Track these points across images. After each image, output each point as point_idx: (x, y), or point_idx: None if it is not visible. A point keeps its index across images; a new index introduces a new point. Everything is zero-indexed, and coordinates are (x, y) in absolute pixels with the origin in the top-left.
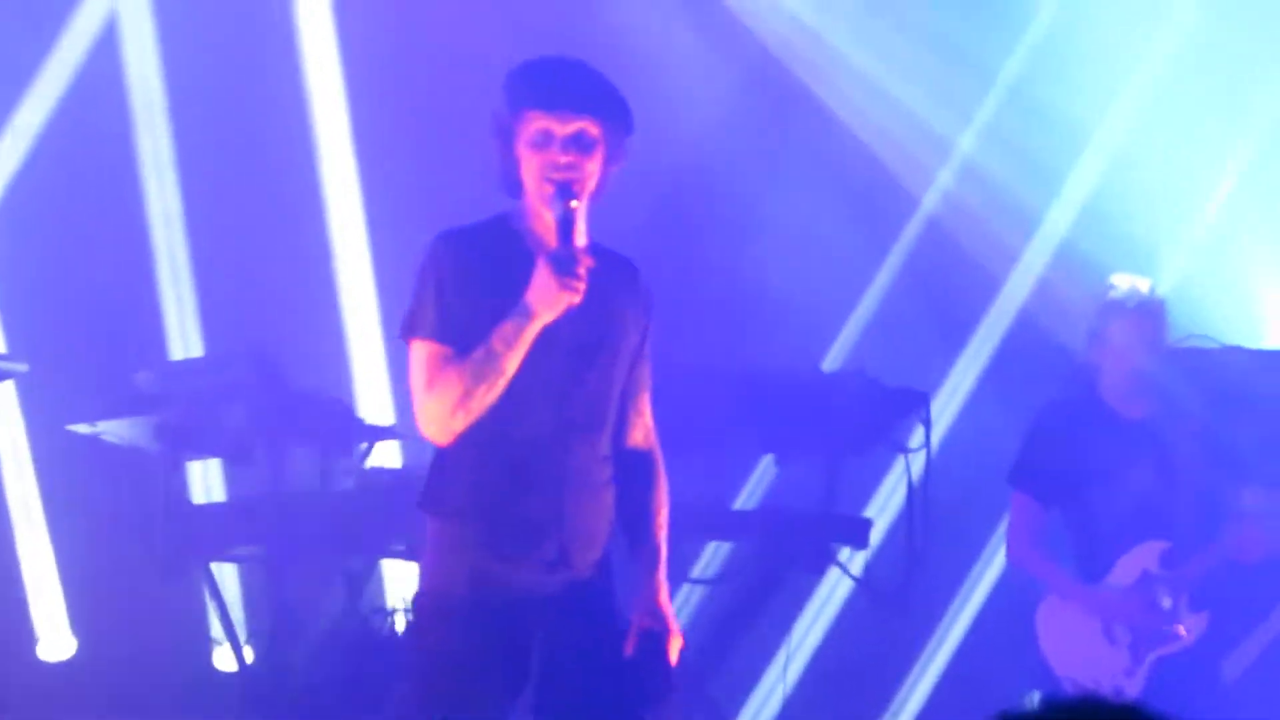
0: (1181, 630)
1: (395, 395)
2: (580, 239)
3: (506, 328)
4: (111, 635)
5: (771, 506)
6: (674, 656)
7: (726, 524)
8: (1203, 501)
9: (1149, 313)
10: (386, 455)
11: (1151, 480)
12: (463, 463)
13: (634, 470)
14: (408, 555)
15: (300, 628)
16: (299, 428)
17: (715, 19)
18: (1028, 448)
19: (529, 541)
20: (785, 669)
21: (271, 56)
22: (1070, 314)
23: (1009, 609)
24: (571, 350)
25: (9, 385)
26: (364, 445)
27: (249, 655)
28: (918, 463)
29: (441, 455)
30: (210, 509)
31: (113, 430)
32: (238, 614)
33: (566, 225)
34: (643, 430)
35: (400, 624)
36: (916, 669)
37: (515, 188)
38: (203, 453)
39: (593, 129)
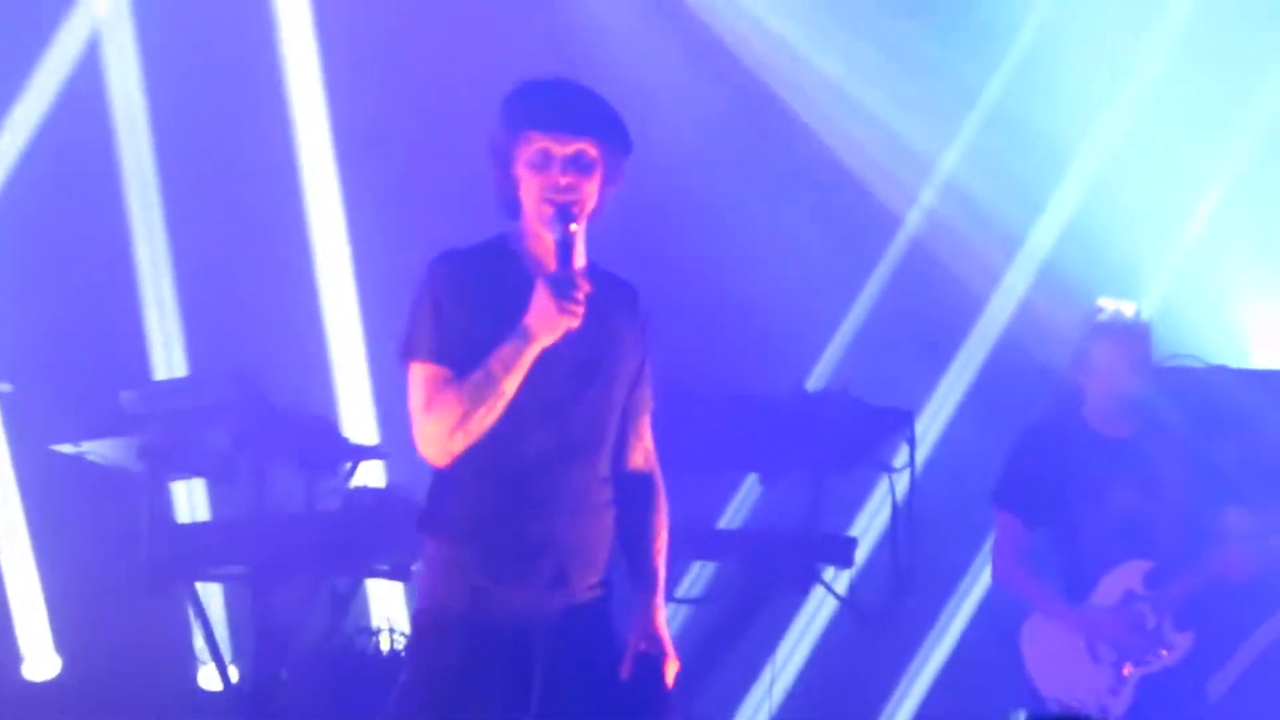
0: (1165, 650)
1: (379, 415)
2: (579, 260)
3: (505, 350)
4: (96, 655)
5: (756, 526)
6: (670, 680)
7: (711, 543)
8: (1187, 521)
9: (1134, 335)
10: (371, 475)
11: (1135, 500)
12: (461, 484)
13: (633, 492)
14: (392, 575)
15: (285, 647)
16: (283, 447)
17: (698, 39)
18: (1012, 467)
19: (527, 562)
20: (771, 688)
21: (254, 74)
22: (1054, 333)
23: (994, 628)
24: (570, 372)
25: None
26: (348, 465)
27: (234, 674)
28: (902, 482)
29: (440, 477)
30: (195, 528)
31: (97, 450)
32: (222, 633)
33: (566, 248)
34: (643, 452)
35: (385, 643)
36: (901, 687)
37: (513, 209)
38: (187, 472)
39: (591, 150)
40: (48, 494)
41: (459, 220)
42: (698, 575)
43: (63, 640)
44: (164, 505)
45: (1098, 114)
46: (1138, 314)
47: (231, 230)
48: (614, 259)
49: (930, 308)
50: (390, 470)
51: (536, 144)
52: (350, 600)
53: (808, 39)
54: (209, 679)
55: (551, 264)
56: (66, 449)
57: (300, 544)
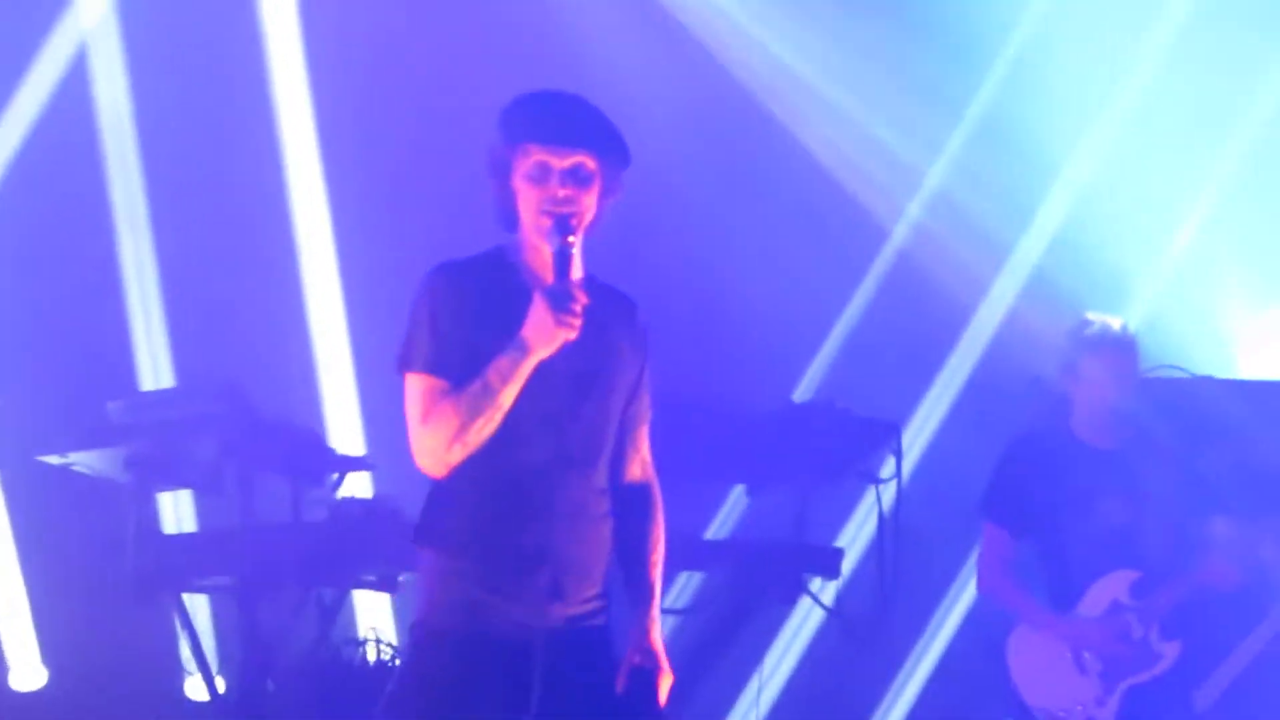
0: (1153, 659)
1: (366, 426)
2: (577, 272)
3: (502, 362)
4: (83, 665)
5: (743, 537)
6: (664, 695)
7: (698, 554)
8: (1174, 531)
9: (1122, 348)
10: (358, 486)
11: (1123, 510)
12: (457, 495)
13: (630, 504)
14: (379, 585)
15: (271, 657)
16: (270, 458)
17: (684, 50)
18: (999, 479)
19: (522, 574)
20: (758, 699)
21: (241, 85)
22: (1041, 345)
23: (980, 638)
24: (568, 384)
25: None
26: (335, 476)
27: (220, 685)
28: (889, 493)
29: (436, 488)
30: (181, 539)
31: (83, 461)
32: (209, 644)
33: (563, 260)
34: (640, 464)
35: (372, 654)
36: (888, 698)
37: (511, 221)
38: (173, 483)
39: (590, 163)
40: (34, 504)
41: (446, 229)
42: (685, 586)
43: (49, 651)
44: (150, 516)
45: (1085, 125)
46: (1125, 327)
47: (218, 240)
48: (600, 271)
49: (917, 319)
50: (377, 481)
51: (535, 156)
52: (337, 611)
53: (794, 50)
54: (195, 689)
55: (549, 276)
56: (53, 460)
57: (287, 555)
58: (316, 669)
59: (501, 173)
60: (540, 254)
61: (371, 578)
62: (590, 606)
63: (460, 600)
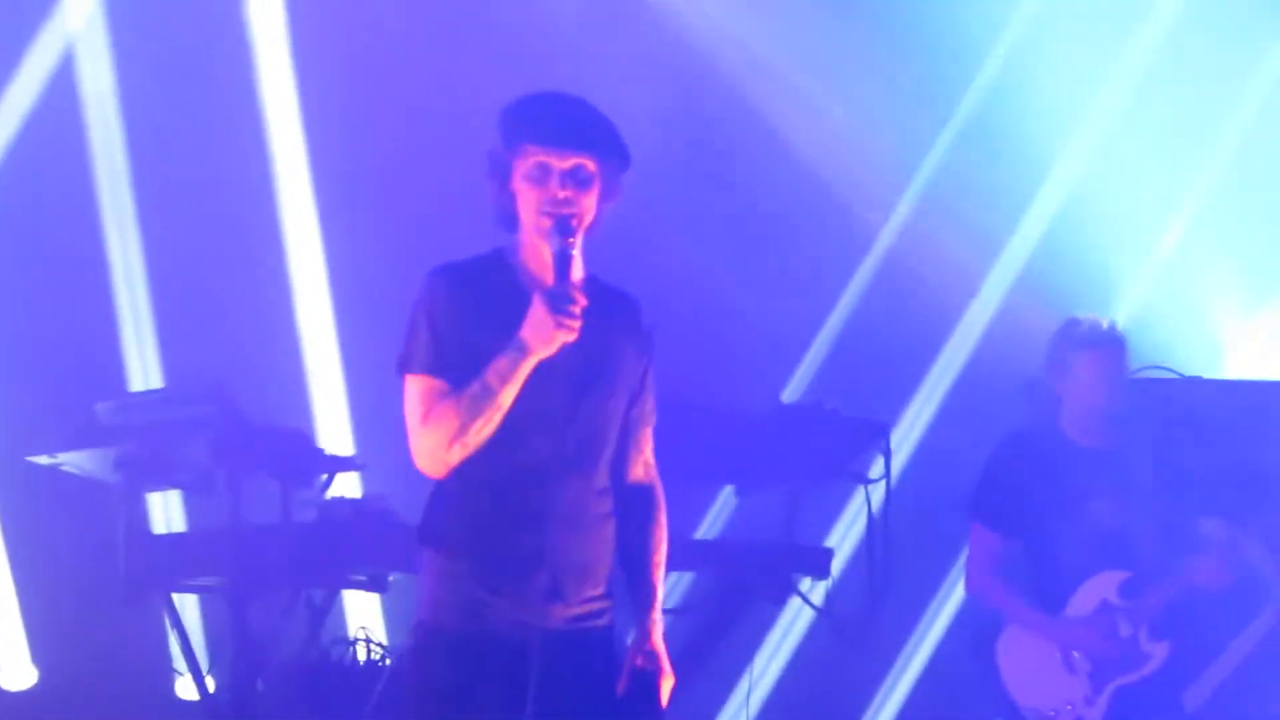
0: (1142, 660)
1: (355, 426)
2: (577, 272)
3: (501, 363)
4: (73, 665)
5: (732, 537)
6: (665, 697)
7: (688, 555)
8: (1162, 531)
9: (1111, 348)
10: (347, 486)
11: (1111, 510)
12: (457, 496)
13: (633, 506)
14: (369, 586)
15: (262, 657)
16: (259, 459)
17: (671, 50)
18: (987, 479)
19: (520, 574)
20: (748, 699)
21: (229, 87)
22: (1029, 345)
23: (970, 638)
24: (567, 385)
25: None
26: (324, 476)
27: (211, 685)
28: (878, 493)
29: (437, 488)
30: (171, 539)
31: (73, 461)
32: (199, 644)
33: (563, 261)
34: (643, 465)
35: (362, 654)
36: (878, 699)
37: (511, 222)
38: (163, 484)
39: (590, 164)
40: (24, 505)
41: (434, 229)
42: (675, 586)
43: (39, 650)
44: (140, 516)
45: (1074, 126)
46: (1114, 326)
47: (207, 242)
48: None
49: (906, 320)
50: (366, 481)
51: (535, 158)
52: (327, 611)
53: (782, 50)
54: (186, 689)
55: (548, 277)
56: (42, 460)
57: (276, 555)
58: (306, 669)
59: (501, 174)
60: (540, 255)
61: (361, 578)
62: (592, 607)
63: (460, 600)
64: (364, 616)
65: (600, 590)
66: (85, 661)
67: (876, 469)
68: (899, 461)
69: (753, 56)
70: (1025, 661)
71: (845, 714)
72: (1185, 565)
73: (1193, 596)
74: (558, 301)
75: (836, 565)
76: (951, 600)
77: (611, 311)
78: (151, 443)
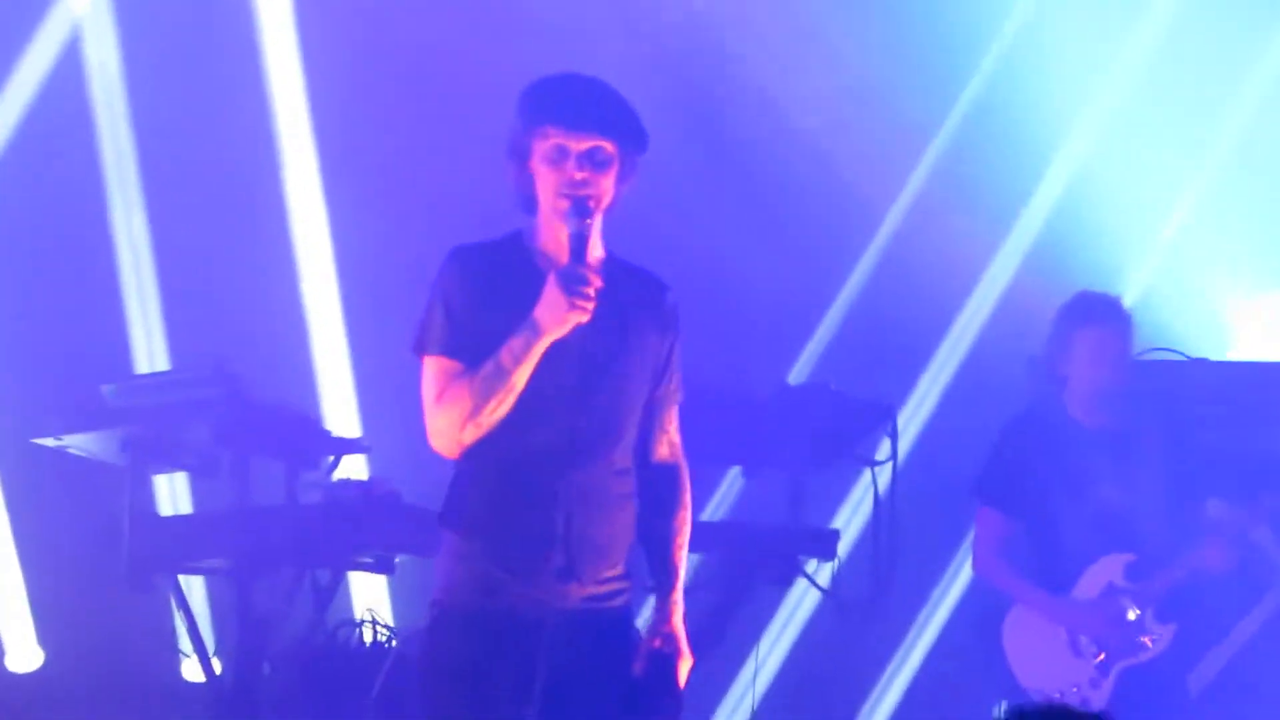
0: (1148, 641)
1: (361, 408)
2: (598, 251)
3: (515, 343)
4: (79, 647)
5: (739, 519)
6: (683, 679)
7: (694, 536)
8: (1168, 514)
9: (1117, 323)
10: (353, 468)
11: (1116, 492)
12: (473, 476)
13: (656, 486)
14: (375, 567)
15: (268, 639)
16: (265, 441)
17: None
18: (993, 461)
19: (534, 553)
20: (754, 680)
21: (235, 68)
22: (1035, 328)
23: (976, 620)
24: (582, 366)
25: None
26: (330, 458)
27: (217, 666)
28: (884, 475)
29: (455, 469)
30: (177, 521)
31: (78, 443)
32: (205, 626)
33: (580, 242)
34: (668, 445)
35: (368, 636)
36: (884, 680)
37: (530, 204)
38: (169, 466)
39: (608, 146)
40: (29, 487)
41: (441, 212)
42: None
43: (46, 633)
44: (146, 498)
45: (1080, 108)
46: (1119, 303)
47: (213, 224)
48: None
49: (912, 302)
50: (372, 463)
51: (553, 139)
52: (333, 593)
53: (787, 32)
54: (192, 671)
55: (565, 259)
56: (48, 442)
57: (282, 537)
58: (313, 651)
59: (520, 156)
60: (557, 237)
61: (368, 560)
62: (609, 588)
63: (474, 578)
64: (371, 598)
65: (618, 571)
66: (91, 643)
67: (883, 451)
68: (905, 443)
69: (758, 38)
70: (1031, 643)
71: (851, 695)
72: (1191, 548)
73: (1198, 579)
74: (571, 282)
75: (843, 547)
76: (958, 582)
77: (633, 292)
78: (157, 425)
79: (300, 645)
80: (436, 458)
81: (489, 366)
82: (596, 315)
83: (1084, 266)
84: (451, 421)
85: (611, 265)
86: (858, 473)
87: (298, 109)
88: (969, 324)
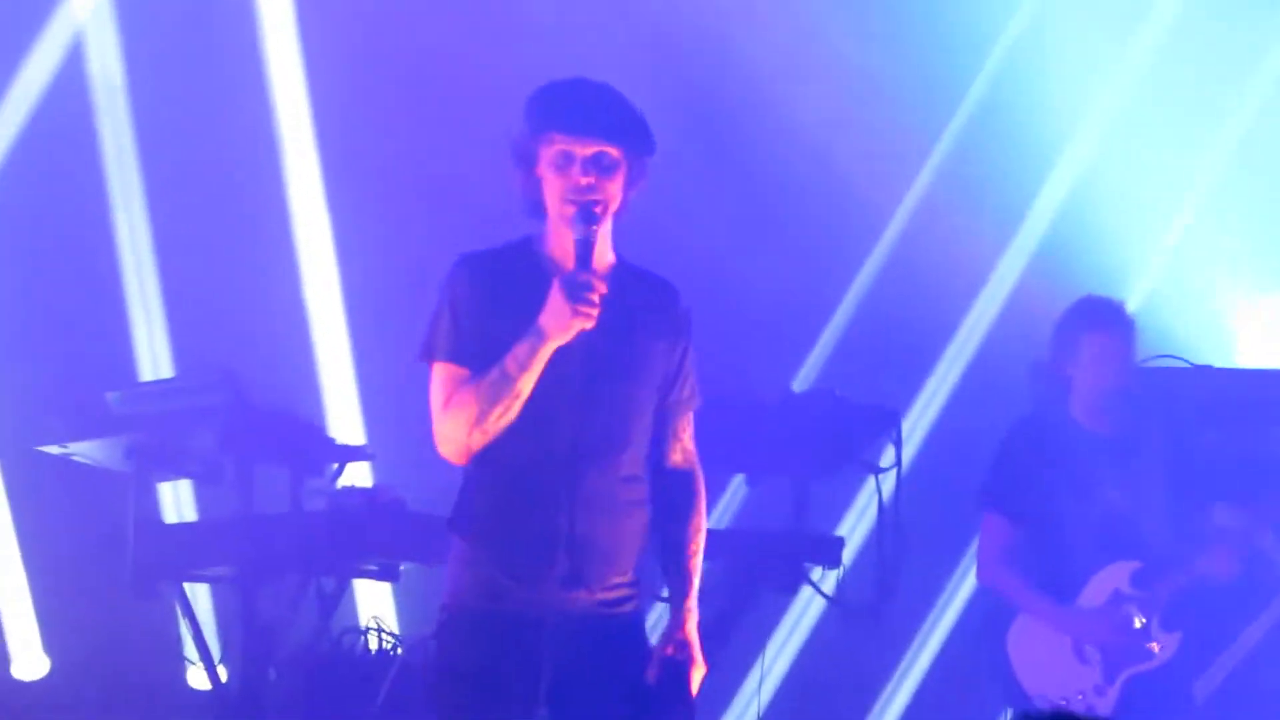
0: (1155, 647)
1: (366, 415)
2: (607, 256)
3: (520, 349)
4: (84, 655)
5: (743, 526)
6: (695, 687)
7: None
8: (1172, 520)
9: (1121, 327)
10: (357, 475)
11: (1121, 498)
12: (480, 482)
13: (670, 492)
14: (379, 575)
15: (273, 647)
16: (269, 448)
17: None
18: (998, 467)
19: (538, 558)
20: (759, 688)
21: (238, 74)
22: (1040, 333)
23: (981, 627)
24: (588, 372)
25: None
26: (335, 465)
27: (222, 674)
28: (889, 482)
29: (464, 477)
30: (182, 529)
31: (83, 451)
32: (210, 633)
33: (585, 249)
34: (681, 452)
35: (373, 643)
36: (889, 688)
37: (538, 210)
38: (173, 473)
39: (613, 151)
40: (34, 494)
41: (445, 218)
42: None
43: (51, 640)
44: (151, 505)
45: (1083, 112)
46: (1123, 307)
47: (216, 231)
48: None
49: (917, 308)
50: (376, 470)
51: (558, 145)
52: (337, 600)
53: (791, 33)
54: (197, 679)
55: (571, 266)
56: (52, 449)
57: (287, 544)
58: (318, 658)
59: (527, 161)
60: (565, 243)
61: (372, 567)
62: (617, 594)
63: (480, 582)
64: (375, 606)
65: (627, 577)
66: (97, 651)
67: (887, 457)
68: (910, 450)
69: (761, 39)
70: (1037, 650)
71: (857, 703)
72: (1197, 555)
73: (1204, 586)
74: (575, 289)
75: (848, 554)
76: (963, 589)
77: (644, 297)
78: (161, 432)
79: (305, 653)
80: (441, 464)
81: (494, 373)
82: (604, 320)
83: (1088, 270)
84: (458, 427)
85: (622, 270)
86: (862, 479)
87: (300, 113)
88: (974, 329)
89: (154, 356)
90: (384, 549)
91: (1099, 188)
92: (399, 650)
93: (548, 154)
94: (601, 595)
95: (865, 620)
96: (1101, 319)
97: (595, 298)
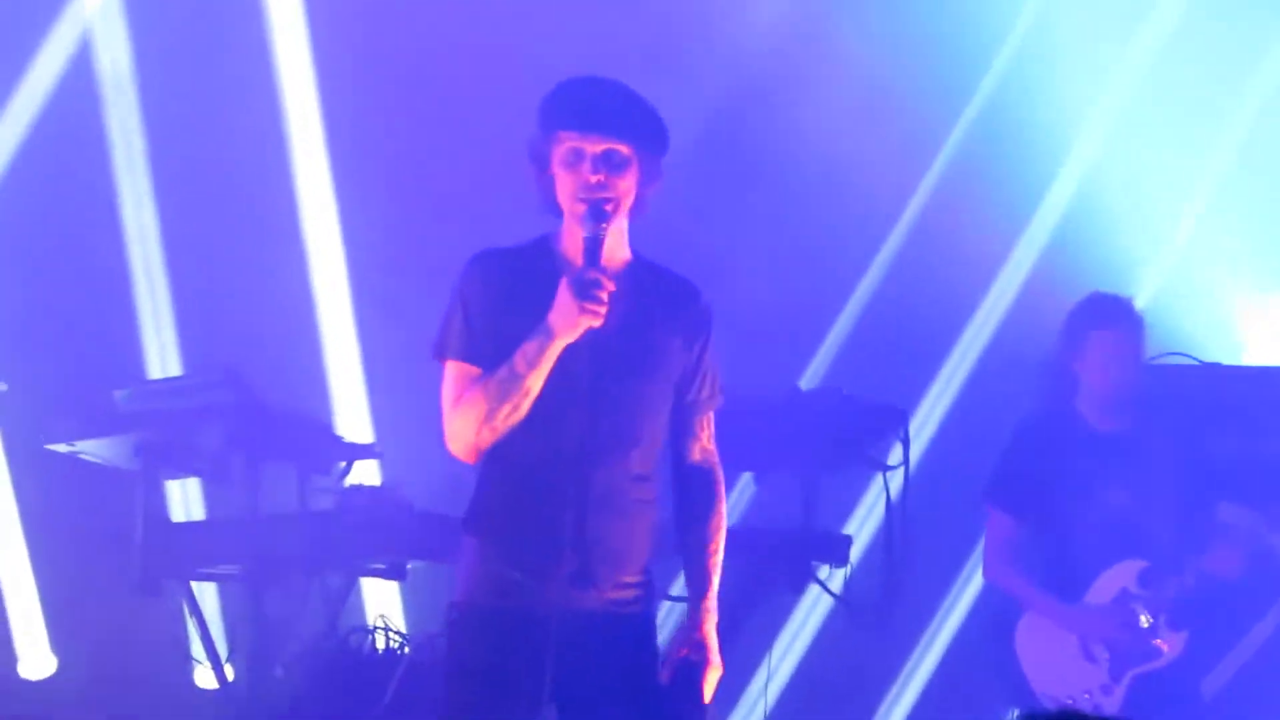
0: (1163, 646)
1: (373, 413)
2: (622, 253)
3: (529, 347)
4: (92, 653)
5: (751, 524)
6: (710, 690)
7: None
8: (1180, 519)
9: (1130, 323)
10: (365, 473)
11: (1128, 497)
12: (491, 479)
13: (689, 492)
14: (387, 573)
15: (280, 645)
16: (277, 446)
17: (686, 34)
18: (1004, 464)
19: (547, 556)
20: (766, 686)
21: (247, 73)
22: (1046, 332)
23: (989, 626)
24: (599, 370)
25: None
26: (342, 464)
27: (229, 673)
28: (896, 480)
29: (478, 473)
30: (189, 527)
31: (91, 449)
32: (218, 632)
33: (594, 246)
34: (700, 450)
35: (380, 642)
36: (896, 686)
37: (553, 209)
38: (181, 472)
39: (623, 149)
40: (42, 493)
41: (452, 217)
42: None
43: (58, 639)
44: (158, 504)
45: (1089, 112)
46: (1131, 304)
47: (225, 229)
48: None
49: (924, 305)
50: (384, 469)
51: (568, 143)
52: (345, 599)
53: (799, 34)
54: (205, 678)
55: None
56: (61, 448)
57: (295, 543)
58: (325, 657)
59: (540, 161)
60: (578, 241)
61: (379, 565)
62: (627, 594)
63: (490, 579)
64: (383, 604)
65: (637, 576)
66: (104, 650)
67: (895, 455)
68: (917, 448)
69: (768, 40)
70: (1044, 649)
71: (864, 701)
72: (1203, 553)
73: (1211, 585)
74: (583, 286)
75: (855, 552)
76: (970, 587)
77: (661, 295)
78: (169, 430)
79: (312, 651)
80: (448, 463)
81: (503, 371)
82: (617, 318)
83: (1095, 271)
84: (467, 425)
85: (638, 267)
86: (870, 477)
87: (309, 111)
88: (981, 327)
89: (162, 354)
90: (391, 547)
91: (1105, 186)
92: (406, 649)
93: (558, 152)
94: (611, 594)
95: (873, 618)
96: (1109, 316)
97: (603, 295)
